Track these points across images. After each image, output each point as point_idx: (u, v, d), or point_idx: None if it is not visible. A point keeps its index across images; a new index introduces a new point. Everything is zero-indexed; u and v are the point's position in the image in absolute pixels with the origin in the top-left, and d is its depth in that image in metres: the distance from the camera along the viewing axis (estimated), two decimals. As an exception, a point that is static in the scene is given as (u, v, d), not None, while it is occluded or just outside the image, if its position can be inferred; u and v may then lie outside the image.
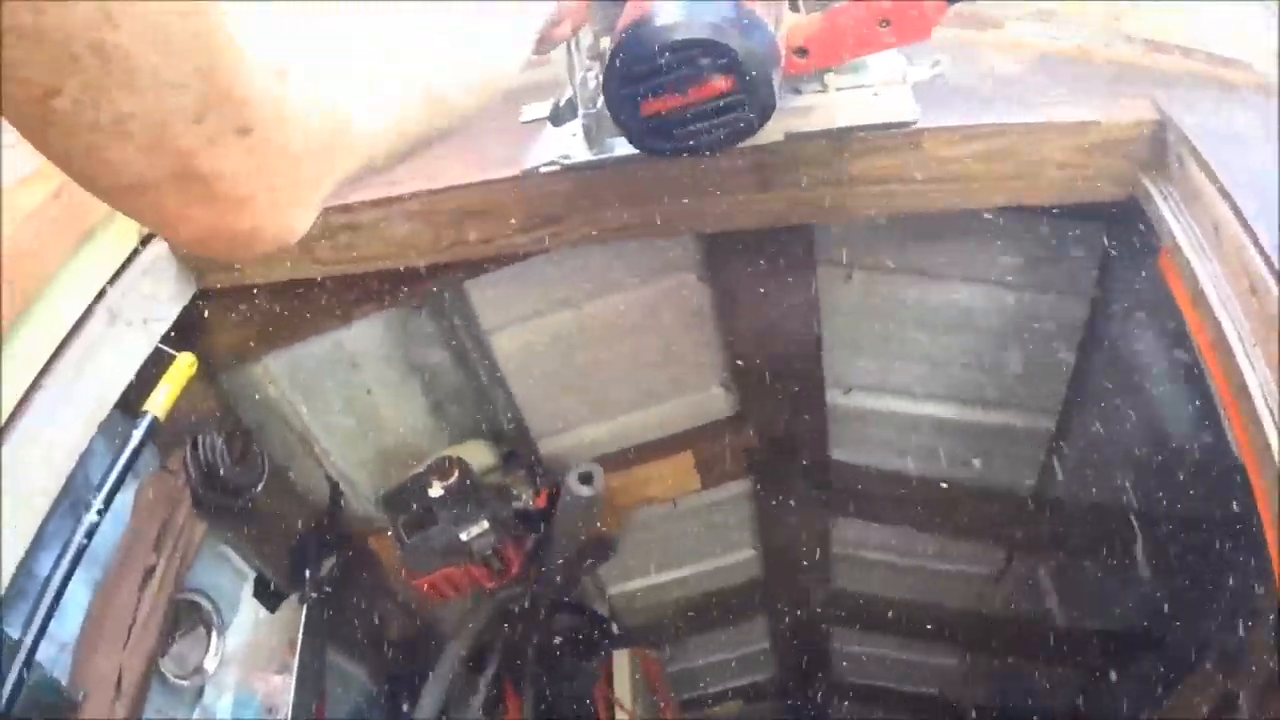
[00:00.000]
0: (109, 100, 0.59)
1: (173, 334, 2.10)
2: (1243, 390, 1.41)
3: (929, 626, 4.44)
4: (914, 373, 3.09)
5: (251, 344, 2.47)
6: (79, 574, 1.90)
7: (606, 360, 3.05)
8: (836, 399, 3.27)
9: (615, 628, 4.43)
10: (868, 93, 1.72)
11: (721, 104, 1.37)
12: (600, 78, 1.54)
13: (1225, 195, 1.53)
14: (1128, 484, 2.57)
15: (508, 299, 2.78)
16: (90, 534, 1.88)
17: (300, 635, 2.79)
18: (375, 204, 1.91)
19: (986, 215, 2.04)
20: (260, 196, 0.72)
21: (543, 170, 1.82)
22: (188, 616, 2.57)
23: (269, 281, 2.13)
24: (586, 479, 2.98)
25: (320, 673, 2.89)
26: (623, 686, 4.40)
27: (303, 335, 2.53)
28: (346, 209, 1.91)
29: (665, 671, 5.16)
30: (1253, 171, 1.57)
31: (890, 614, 4.49)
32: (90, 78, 0.57)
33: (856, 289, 2.81)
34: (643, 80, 1.37)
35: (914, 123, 1.72)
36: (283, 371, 2.68)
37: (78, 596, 2.06)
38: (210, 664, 2.57)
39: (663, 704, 4.85)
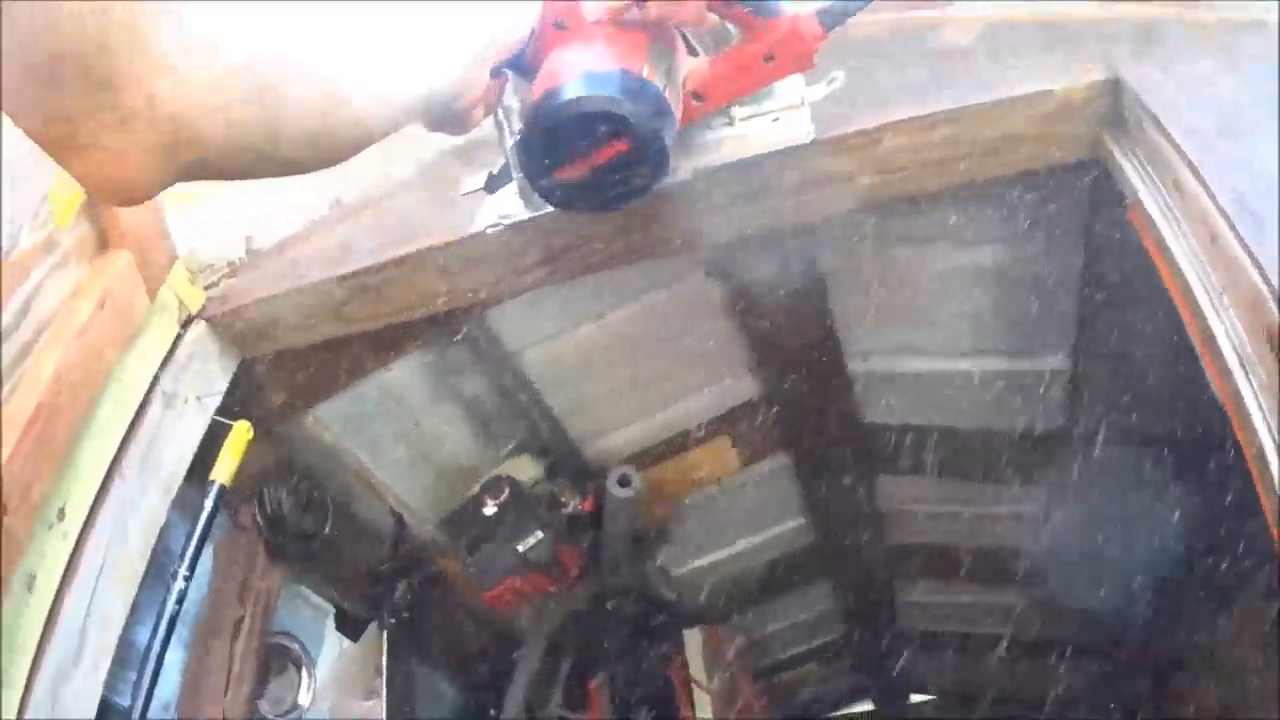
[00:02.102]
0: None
1: (230, 404, 2.21)
2: (1210, 338, 1.46)
3: (986, 569, 4.55)
4: (926, 333, 3.17)
5: (300, 399, 2.57)
6: (174, 638, 2.01)
7: (634, 363, 3.16)
8: (858, 366, 3.38)
9: (681, 609, 4.48)
10: (768, 120, 1.78)
11: (622, 163, 1.44)
12: None
13: (1179, 150, 1.56)
14: (1149, 413, 2.66)
15: (529, 321, 2.88)
16: (180, 600, 1.99)
17: (384, 659, 2.93)
18: (387, 265, 2.02)
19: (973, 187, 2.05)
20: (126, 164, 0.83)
21: (488, 231, 1.93)
22: (278, 658, 2.70)
23: (307, 343, 2.23)
24: (624, 481, 3.10)
25: (408, 692, 3.04)
26: (696, 664, 4.48)
27: (346, 384, 2.62)
28: (363, 272, 2.03)
29: (736, 645, 5.22)
30: (1213, 117, 1.60)
31: (947, 561, 4.59)
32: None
33: (858, 263, 2.88)
34: (550, 153, 1.45)
35: (809, 143, 1.78)
36: (334, 418, 2.77)
37: (175, 658, 2.20)
38: (304, 699, 2.71)
39: (737, 677, 4.90)
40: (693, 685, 4.44)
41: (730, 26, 1.58)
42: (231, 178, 0.98)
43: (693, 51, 1.65)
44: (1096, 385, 3.11)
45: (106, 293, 1.82)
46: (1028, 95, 1.80)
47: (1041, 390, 3.25)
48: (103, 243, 1.87)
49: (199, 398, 2.13)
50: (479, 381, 3.02)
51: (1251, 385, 1.35)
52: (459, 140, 2.24)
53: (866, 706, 7.30)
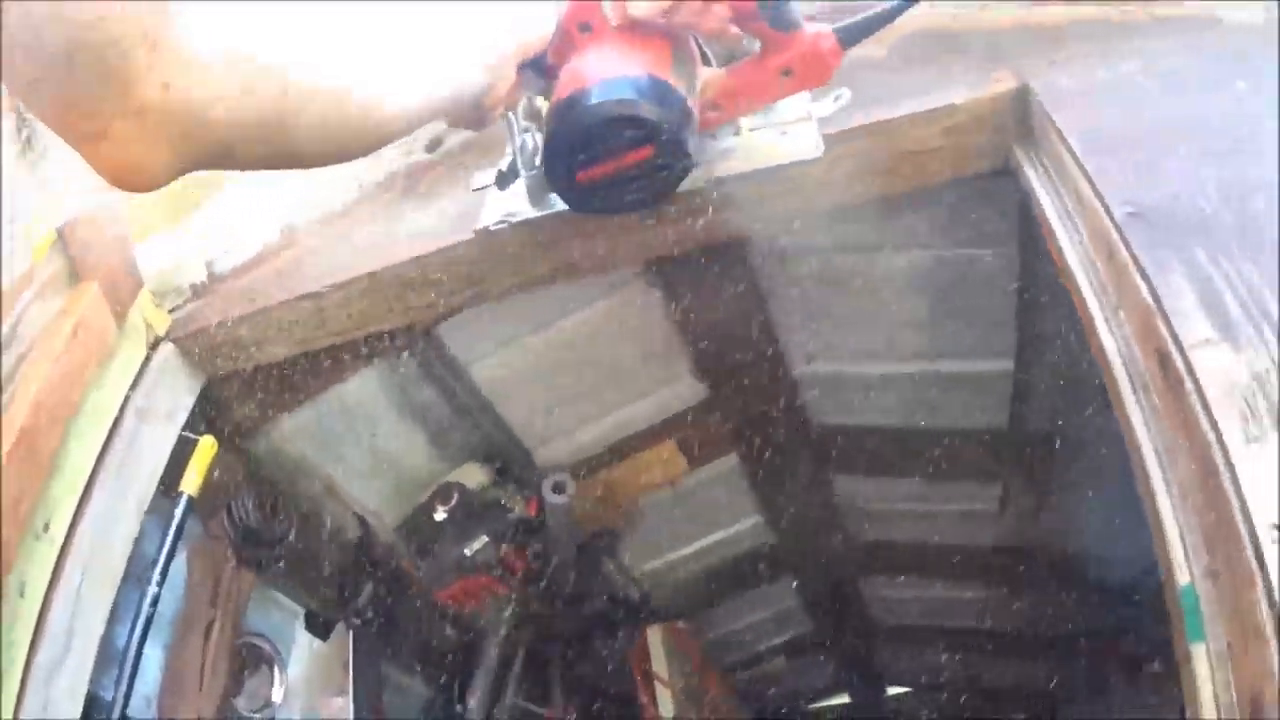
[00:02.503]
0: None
1: (197, 420, 2.34)
2: (1103, 352, 1.44)
3: (947, 564, 4.67)
4: (869, 337, 3.25)
5: (263, 414, 2.68)
6: (151, 637, 2.15)
7: (580, 371, 3.27)
8: (802, 370, 3.48)
9: (643, 606, 4.55)
10: (777, 132, 1.81)
11: (645, 168, 1.48)
12: (536, 140, 1.69)
13: (1078, 161, 1.56)
14: (1089, 412, 2.79)
15: (477, 333, 2.99)
16: (155, 603, 2.13)
17: (351, 657, 3.06)
18: (340, 285, 2.11)
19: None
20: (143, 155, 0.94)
21: (493, 228, 1.94)
22: (252, 657, 2.82)
23: (266, 361, 2.32)
24: (559, 488, 3.22)
25: (376, 689, 3.17)
26: (659, 661, 4.60)
27: (305, 399, 2.74)
28: (321, 292, 2.12)
29: (702, 641, 5.33)
30: (1122, 123, 1.60)
31: (907, 557, 4.73)
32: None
33: (793, 271, 2.97)
34: (576, 154, 1.48)
35: (818, 159, 1.77)
36: (297, 430, 2.87)
37: (154, 656, 2.33)
38: (277, 696, 2.83)
39: (702, 672, 5.02)
40: (655, 681, 4.55)
41: (749, 39, 1.61)
42: (247, 168, 1.12)
43: (706, 61, 1.69)
44: (1039, 384, 3.17)
45: (79, 321, 1.95)
46: (935, 109, 1.81)
47: (986, 391, 3.36)
48: (74, 275, 2.02)
49: (168, 415, 2.26)
50: (431, 392, 3.11)
51: (1140, 403, 1.35)
52: (404, 164, 2.40)
53: (843, 699, 7.42)
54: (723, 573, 4.90)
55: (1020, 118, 1.80)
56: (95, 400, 2.05)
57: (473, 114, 1.44)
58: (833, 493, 4.36)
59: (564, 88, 1.48)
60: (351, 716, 2.96)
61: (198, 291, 2.40)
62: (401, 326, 2.27)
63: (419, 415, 3.20)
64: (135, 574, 2.14)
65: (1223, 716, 1.05)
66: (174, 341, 2.30)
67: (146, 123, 0.90)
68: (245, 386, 2.54)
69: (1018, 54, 1.86)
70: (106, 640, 2.01)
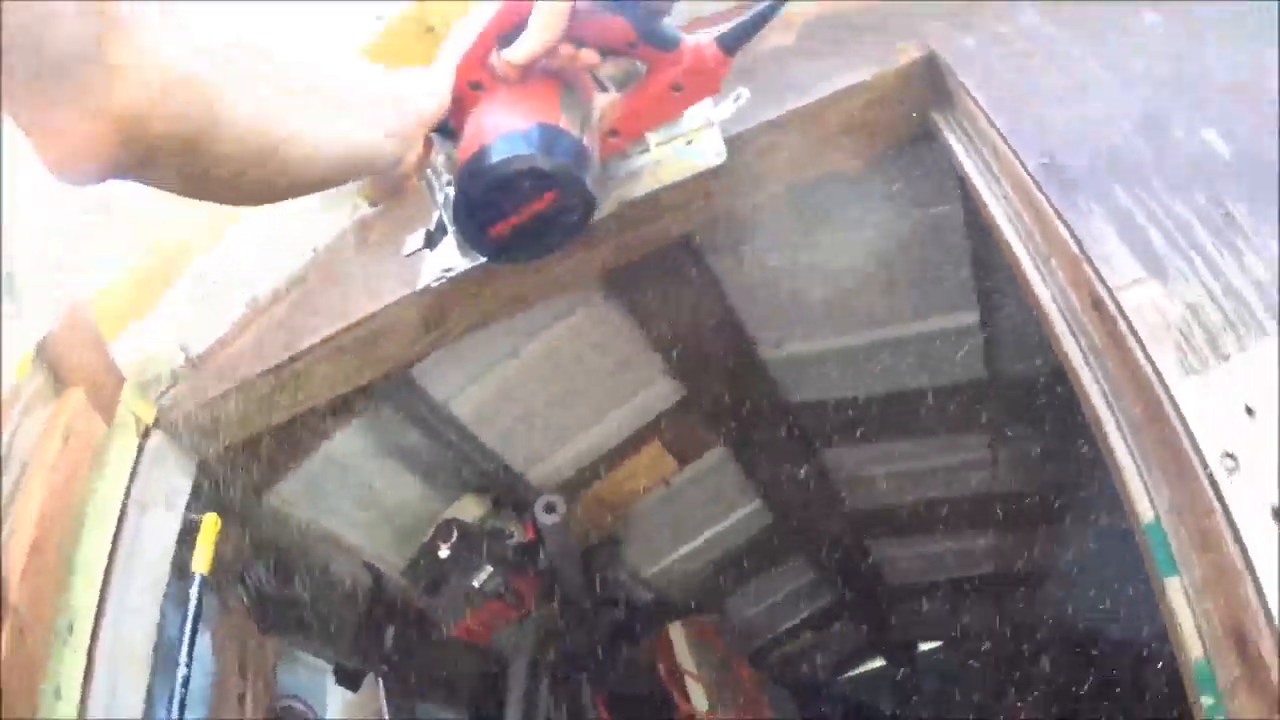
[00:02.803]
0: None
1: (197, 499, 2.39)
2: (1039, 303, 1.46)
3: (951, 517, 4.75)
4: (831, 312, 3.29)
5: (259, 484, 2.73)
6: (188, 716, 2.19)
7: (556, 389, 3.32)
8: (772, 353, 3.53)
9: (659, 607, 4.69)
10: (683, 143, 1.81)
11: (551, 213, 1.50)
12: None
13: (989, 119, 1.57)
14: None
15: (451, 371, 3.05)
16: (186, 684, 2.17)
17: (384, 703, 3.12)
18: (307, 352, 2.16)
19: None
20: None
21: (434, 285, 1.98)
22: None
23: (251, 433, 2.38)
24: (550, 508, 3.26)
25: (412, 729, 3.24)
26: (685, 656, 4.66)
27: (297, 461, 2.80)
28: (289, 361, 2.18)
29: (725, 630, 5.38)
30: (1029, 76, 1.61)
31: (910, 517, 4.77)
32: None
33: (746, 260, 3.03)
34: (484, 214, 1.50)
35: (723, 164, 1.78)
36: (294, 493, 2.92)
37: None
38: None
39: (729, 661, 5.08)
40: (685, 676, 4.60)
41: (636, 63, 1.63)
42: (168, 187, 1.16)
43: (602, 87, 1.70)
44: (1008, 331, 3.24)
45: (69, 428, 2.02)
46: (848, 88, 1.81)
47: (957, 345, 3.40)
48: (58, 385, 2.09)
49: (168, 500, 2.32)
50: (416, 435, 3.16)
51: (1080, 347, 1.36)
52: (353, 219, 2.46)
53: (877, 663, 7.48)
54: (732, 561, 4.96)
55: (932, 84, 1.81)
56: (97, 500, 2.11)
57: (386, 184, 1.50)
58: (824, 467, 4.40)
59: (464, 150, 1.51)
60: (391, 759, 2.98)
61: (178, 376, 2.45)
62: (377, 378, 2.32)
63: (408, 459, 3.25)
64: (163, 659, 2.19)
65: (1208, 648, 1.08)
66: (163, 429, 2.36)
67: (97, 122, 0.99)
68: (238, 460, 2.57)
69: (924, 22, 1.85)
70: (144, 722, 2.09)
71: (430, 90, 1.52)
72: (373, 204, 2.52)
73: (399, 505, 3.35)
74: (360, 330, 2.13)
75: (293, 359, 2.19)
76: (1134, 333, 1.18)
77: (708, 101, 1.79)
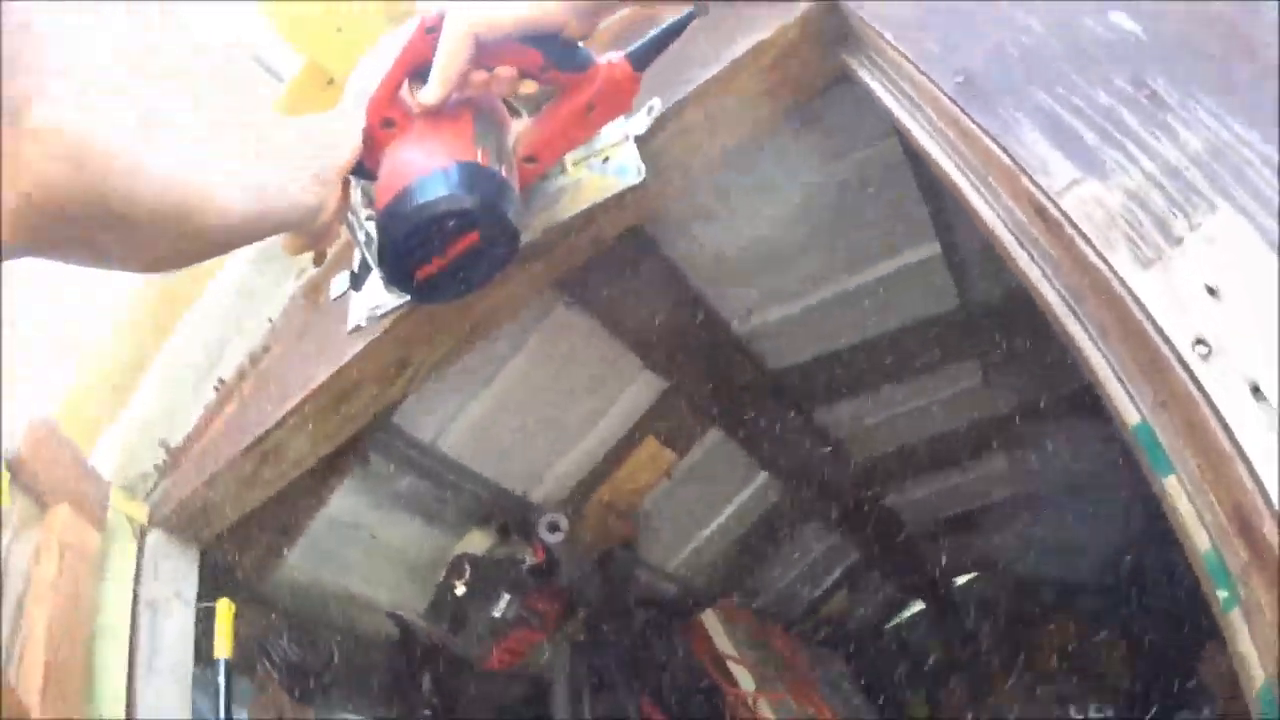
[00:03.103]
0: None
1: (208, 586, 2.40)
2: (986, 225, 1.41)
3: (959, 449, 4.80)
4: (791, 272, 3.30)
5: (264, 560, 2.75)
6: None
7: (540, 407, 3.32)
8: (743, 326, 3.54)
9: (687, 598, 4.74)
10: (599, 161, 1.81)
11: (476, 249, 1.48)
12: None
13: (896, 49, 1.52)
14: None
15: (431, 410, 3.04)
16: None
17: None
18: (279, 424, 2.14)
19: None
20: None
21: (364, 325, 1.99)
22: None
23: (245, 511, 2.37)
24: (553, 527, 3.27)
25: (465, 770, 3.23)
26: (723, 641, 4.65)
27: (298, 529, 2.81)
28: (264, 436, 2.16)
29: (756, 608, 5.39)
30: (929, 1, 1.54)
31: (920, 456, 4.80)
32: None
33: (697, 239, 3.02)
34: (409, 259, 1.50)
35: (643, 181, 1.76)
36: (302, 559, 2.92)
37: None
38: None
39: (769, 637, 5.08)
40: (728, 662, 4.61)
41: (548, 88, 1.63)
42: (87, 259, 1.11)
43: (515, 112, 1.67)
44: (970, 255, 3.25)
45: (61, 545, 2.02)
46: (750, 50, 1.77)
47: (925, 279, 3.41)
48: (41, 504, 2.10)
49: (177, 594, 2.32)
50: (410, 479, 3.16)
51: (1034, 259, 1.32)
52: (300, 285, 2.46)
53: (919, 606, 7.51)
54: (752, 538, 4.95)
55: (836, 26, 1.76)
56: (106, 609, 2.12)
57: (308, 236, 1.47)
58: (821, 427, 4.41)
59: (382, 191, 1.49)
60: (448, 806, 2.98)
61: (162, 471, 2.47)
62: (356, 433, 2.30)
63: (408, 504, 3.25)
64: None
65: (1212, 534, 1.06)
66: (158, 526, 2.36)
67: (9, 194, 0.95)
68: (240, 540, 2.58)
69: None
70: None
71: (342, 133, 1.49)
72: (317, 264, 2.52)
73: (408, 551, 3.36)
74: (326, 392, 2.12)
75: (266, 433, 2.18)
76: (1082, 235, 1.16)
77: (620, 118, 1.78)
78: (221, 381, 2.52)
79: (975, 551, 6.72)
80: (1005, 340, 3.74)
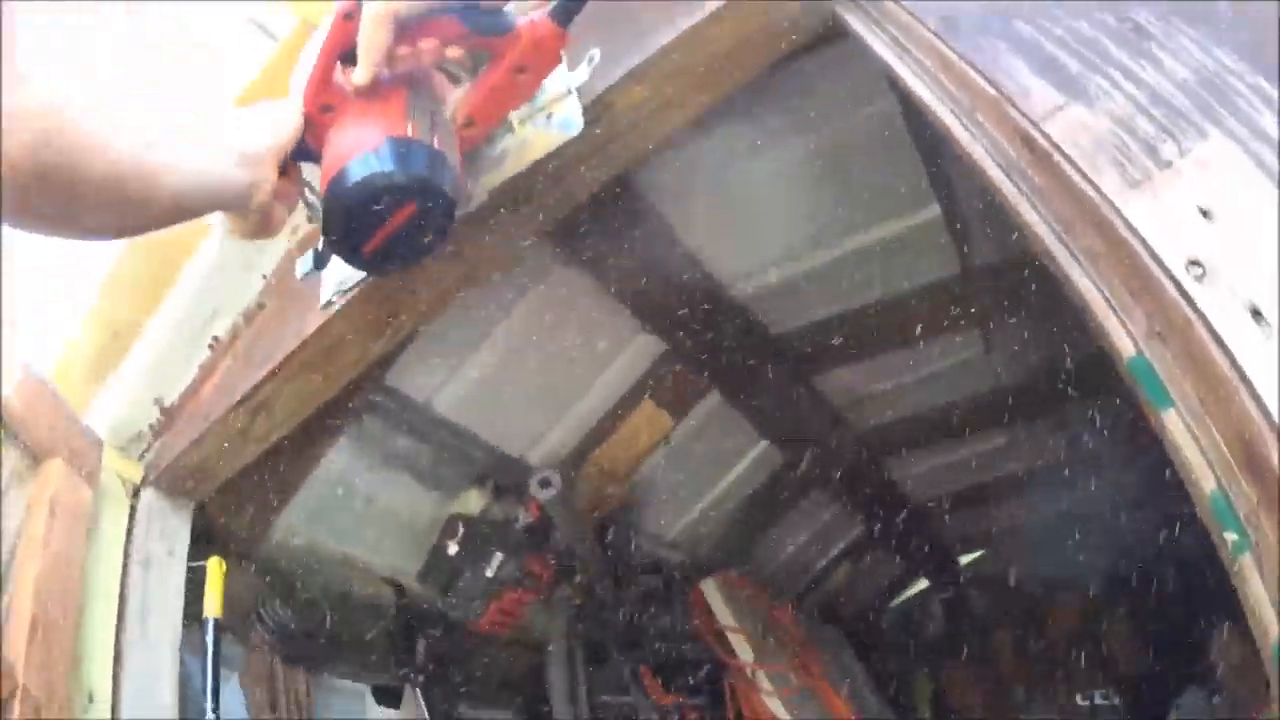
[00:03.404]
0: None
1: (200, 545, 2.41)
2: (974, 160, 1.40)
3: (961, 421, 4.73)
4: (790, 235, 3.29)
5: (259, 519, 2.73)
6: None
7: (534, 368, 3.29)
8: (741, 288, 3.51)
9: (687, 567, 4.70)
10: (544, 117, 1.80)
11: (417, 219, 1.55)
12: None
13: None
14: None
15: (423, 369, 3.02)
16: None
17: (426, 715, 3.11)
18: (268, 377, 2.14)
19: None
20: None
21: (334, 301, 2.02)
22: None
23: (238, 469, 2.38)
24: (545, 483, 3.23)
25: (458, 735, 3.21)
26: (723, 613, 4.61)
27: (291, 489, 2.79)
28: (254, 390, 2.16)
29: (759, 579, 5.34)
30: None
31: (921, 427, 4.78)
32: None
33: (690, 200, 2.99)
34: (352, 235, 1.56)
35: (580, 132, 1.76)
36: (295, 521, 2.91)
37: None
38: None
39: (768, 610, 5.03)
40: (727, 633, 4.58)
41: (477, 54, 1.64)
42: (47, 225, 1.32)
43: (455, 79, 1.72)
44: (971, 219, 3.22)
45: (53, 500, 2.01)
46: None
47: (925, 243, 3.39)
48: (34, 460, 2.07)
49: (169, 552, 2.32)
50: (405, 440, 3.15)
51: (1022, 190, 1.32)
52: (298, 237, 2.43)
53: (922, 584, 7.49)
54: (753, 507, 4.93)
55: None
56: (97, 566, 2.11)
57: (253, 219, 1.61)
58: (822, 394, 4.39)
59: (324, 173, 1.55)
60: (442, 768, 2.96)
61: (157, 430, 2.46)
62: (350, 387, 2.30)
63: (402, 464, 3.24)
64: (191, 709, 2.20)
65: (1217, 472, 1.04)
66: (152, 485, 2.37)
67: None
68: (232, 499, 2.59)
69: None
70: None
71: (276, 119, 1.59)
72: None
73: (403, 513, 3.34)
74: (314, 345, 2.11)
75: (256, 388, 2.18)
76: (1068, 159, 1.16)
77: (562, 70, 1.77)
78: (216, 339, 2.50)
79: (980, 528, 6.72)
80: (1007, 307, 3.68)
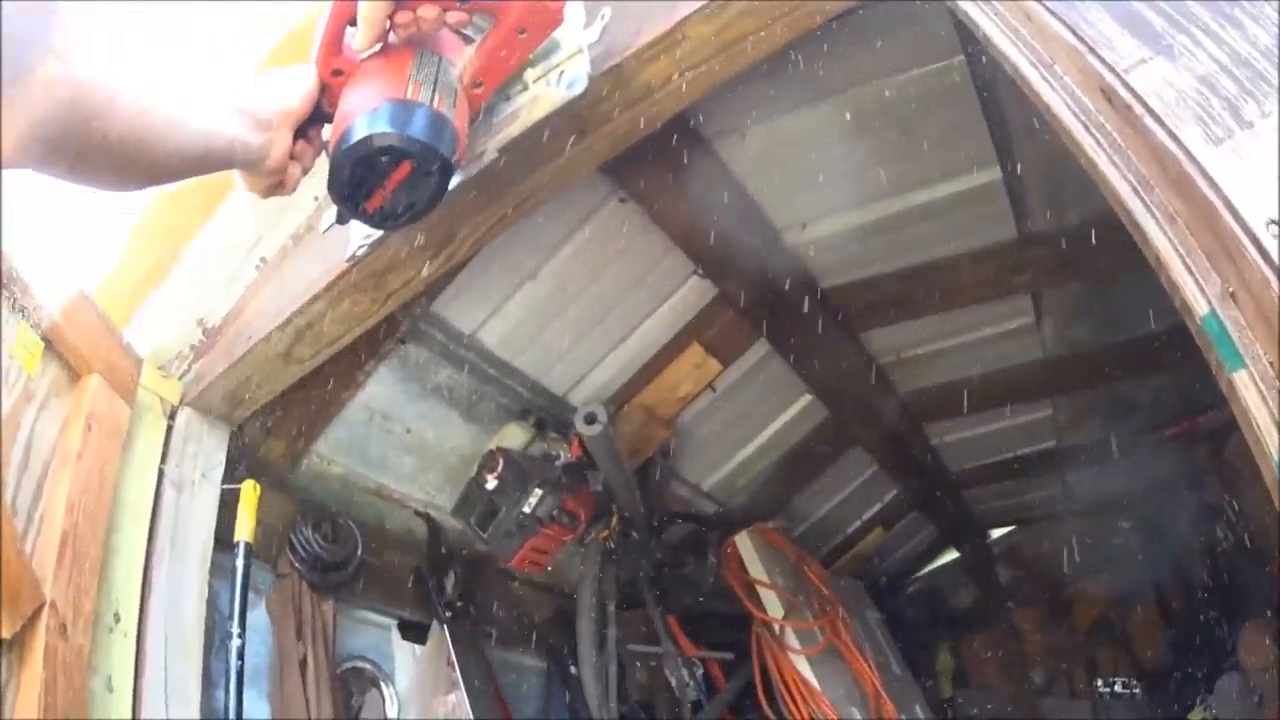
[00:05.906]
0: None
1: (235, 469, 2.38)
2: (1053, 114, 1.34)
3: (1004, 390, 4.68)
4: (848, 187, 3.20)
5: (296, 444, 2.72)
6: (251, 688, 2.21)
7: (583, 304, 3.27)
8: (798, 238, 3.45)
9: (717, 519, 4.68)
10: (556, 75, 1.85)
11: (414, 177, 1.61)
12: None
13: None
14: (1087, 199, 2.69)
15: (472, 300, 2.99)
16: (241, 655, 2.16)
17: (452, 652, 3.07)
18: (315, 298, 2.12)
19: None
20: None
21: (359, 253, 2.04)
22: (358, 681, 2.88)
23: (277, 393, 2.36)
24: (590, 419, 3.14)
25: (485, 675, 3.20)
26: (754, 566, 4.58)
27: (330, 415, 2.78)
28: (300, 311, 2.13)
29: (793, 535, 5.31)
30: None
31: (965, 394, 4.62)
32: None
33: (754, 143, 2.94)
34: (353, 193, 1.62)
35: (585, 92, 1.80)
36: (334, 451, 2.91)
37: (259, 708, 2.38)
38: (391, 712, 2.90)
39: (800, 566, 4.98)
40: (757, 587, 4.55)
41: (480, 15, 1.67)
42: (68, 174, 1.38)
43: (468, 40, 1.75)
44: (1031, 183, 3.15)
45: (90, 416, 1.98)
46: None
47: (983, 205, 3.32)
48: (73, 375, 2.03)
49: (204, 474, 2.30)
50: (449, 371, 3.13)
51: (1100, 144, 1.28)
52: None
53: (953, 554, 7.46)
54: (792, 461, 4.91)
55: None
56: (130, 484, 2.09)
57: (267, 178, 1.69)
58: (869, 351, 4.33)
59: (331, 139, 1.61)
60: (468, 708, 2.98)
61: (198, 350, 2.43)
62: (394, 313, 2.29)
63: (445, 396, 3.21)
64: (217, 633, 2.20)
65: None
66: (190, 405, 2.33)
67: (18, 117, 1.22)
68: (271, 423, 2.58)
69: None
70: (206, 704, 2.07)
71: (288, 86, 1.65)
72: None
73: (442, 445, 3.32)
74: (367, 267, 2.09)
75: (302, 309, 2.15)
76: (1150, 112, 1.12)
77: (577, 27, 1.84)
78: (264, 260, 2.46)
79: (1014, 504, 6.69)
80: (1062, 278, 3.68)
